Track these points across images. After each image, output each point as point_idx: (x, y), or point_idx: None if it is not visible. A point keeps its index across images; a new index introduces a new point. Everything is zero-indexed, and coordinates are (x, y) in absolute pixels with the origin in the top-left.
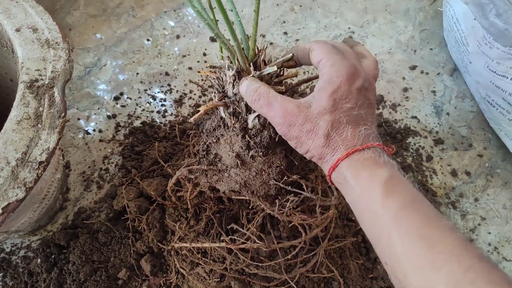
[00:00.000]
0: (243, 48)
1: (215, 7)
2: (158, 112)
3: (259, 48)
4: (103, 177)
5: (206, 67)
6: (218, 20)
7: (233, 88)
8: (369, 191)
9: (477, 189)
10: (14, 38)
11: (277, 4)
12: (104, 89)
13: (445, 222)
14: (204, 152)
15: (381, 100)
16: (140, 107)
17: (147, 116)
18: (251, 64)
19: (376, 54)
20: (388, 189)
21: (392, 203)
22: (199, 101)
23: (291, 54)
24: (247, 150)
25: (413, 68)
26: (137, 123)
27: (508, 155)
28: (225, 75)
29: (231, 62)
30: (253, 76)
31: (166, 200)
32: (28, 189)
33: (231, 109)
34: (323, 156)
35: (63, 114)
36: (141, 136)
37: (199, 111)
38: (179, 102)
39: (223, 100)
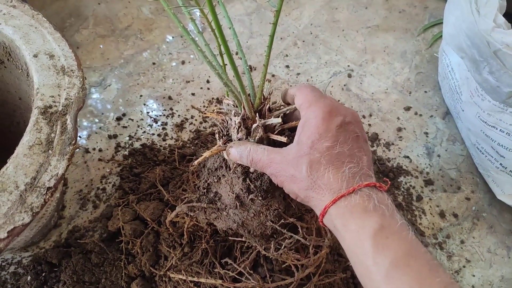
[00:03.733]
0: (249, 94)
1: (224, 53)
2: (159, 135)
3: (265, 96)
4: (100, 197)
5: (213, 110)
6: (226, 65)
7: (238, 133)
8: (359, 244)
9: (463, 231)
10: (31, 64)
11: (281, 38)
12: (107, 109)
13: (440, 279)
14: (205, 190)
15: (376, 138)
16: (141, 129)
17: (148, 139)
18: (256, 110)
19: (373, 93)
20: (378, 243)
21: (384, 260)
22: (200, 127)
23: (294, 106)
24: (247, 193)
25: (407, 109)
26: (137, 145)
27: (494, 200)
28: (231, 119)
29: (236, 106)
30: (257, 125)
31: (161, 225)
32: (34, 214)
33: None
34: (310, 199)
35: (73, 141)
36: (141, 158)
37: (202, 155)
38: (180, 126)
39: (227, 144)
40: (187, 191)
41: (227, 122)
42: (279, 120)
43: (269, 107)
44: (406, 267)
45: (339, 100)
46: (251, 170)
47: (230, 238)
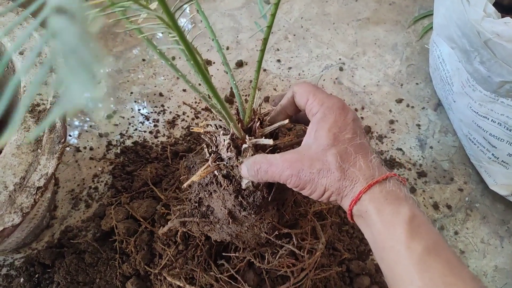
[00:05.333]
0: (238, 113)
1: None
2: (151, 132)
3: (255, 110)
4: (92, 196)
5: (202, 131)
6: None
7: (227, 151)
8: (392, 229)
9: (457, 222)
10: (17, 61)
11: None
12: (97, 107)
13: (467, 271)
14: (197, 204)
15: (368, 131)
16: (132, 126)
17: (139, 136)
18: (246, 128)
19: (365, 86)
20: (412, 230)
21: (417, 246)
22: (191, 124)
23: (287, 121)
24: (239, 209)
25: (399, 101)
26: (128, 143)
27: (487, 191)
28: (219, 136)
29: (225, 127)
30: (248, 146)
31: (155, 223)
32: (24, 214)
33: (224, 172)
34: (341, 190)
35: (63, 140)
36: (133, 156)
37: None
38: (172, 123)
39: (217, 163)
40: (181, 189)
41: (216, 139)
42: (271, 142)
43: (260, 121)
44: (437, 256)
45: (331, 94)
46: (243, 186)
47: (224, 254)
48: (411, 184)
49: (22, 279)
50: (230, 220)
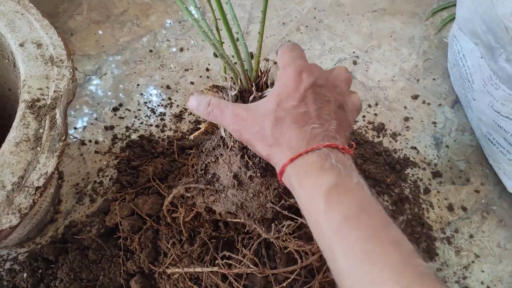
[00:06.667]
0: (246, 69)
1: (221, 29)
2: (157, 126)
3: (262, 70)
4: (97, 191)
5: (209, 86)
6: (223, 42)
7: None
8: (313, 201)
9: (472, 225)
10: (17, 53)
11: (283, 23)
12: (103, 99)
13: (391, 234)
14: (202, 171)
15: (382, 128)
16: (138, 119)
17: (145, 130)
18: (254, 85)
19: (379, 81)
20: (330, 200)
21: (336, 215)
22: (199, 118)
23: None
24: (245, 169)
25: (415, 97)
26: (134, 136)
27: (505, 193)
28: (227, 95)
29: (234, 83)
30: (254, 96)
31: (160, 220)
32: (22, 215)
33: None
34: (271, 158)
35: (63, 137)
36: (138, 150)
37: (199, 128)
38: (179, 117)
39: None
40: (185, 178)
41: (224, 99)
42: None
43: (265, 80)
44: (357, 222)
45: None
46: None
47: (229, 220)
48: (425, 185)
49: (25, 274)
50: (236, 183)
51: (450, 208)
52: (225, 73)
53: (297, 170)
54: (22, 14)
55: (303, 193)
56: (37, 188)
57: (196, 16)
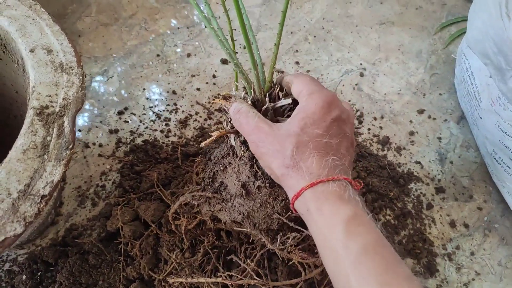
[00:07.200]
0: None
1: (236, 40)
2: (162, 131)
3: (275, 82)
4: (99, 194)
5: (221, 94)
6: (237, 52)
7: None
8: (331, 228)
9: (474, 242)
10: (28, 59)
11: (292, 32)
12: (108, 102)
13: (403, 270)
14: (210, 180)
15: (387, 142)
16: (143, 124)
17: (150, 135)
18: (267, 95)
19: (385, 94)
20: (350, 229)
21: (354, 245)
22: (204, 124)
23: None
24: (253, 179)
25: (421, 112)
26: (139, 141)
27: (507, 211)
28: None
29: (246, 93)
30: (267, 107)
31: (162, 226)
32: (27, 224)
33: (242, 138)
34: (285, 178)
35: (71, 146)
36: (142, 155)
37: (209, 135)
38: (184, 123)
39: (235, 129)
40: (190, 185)
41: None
42: (289, 100)
43: (278, 92)
44: (374, 255)
45: (349, 100)
46: None
47: (234, 229)
48: (428, 200)
49: (24, 277)
50: (244, 192)
51: (452, 224)
52: (236, 82)
53: (317, 195)
54: (33, 19)
55: (321, 219)
56: (43, 196)
57: (213, 25)
